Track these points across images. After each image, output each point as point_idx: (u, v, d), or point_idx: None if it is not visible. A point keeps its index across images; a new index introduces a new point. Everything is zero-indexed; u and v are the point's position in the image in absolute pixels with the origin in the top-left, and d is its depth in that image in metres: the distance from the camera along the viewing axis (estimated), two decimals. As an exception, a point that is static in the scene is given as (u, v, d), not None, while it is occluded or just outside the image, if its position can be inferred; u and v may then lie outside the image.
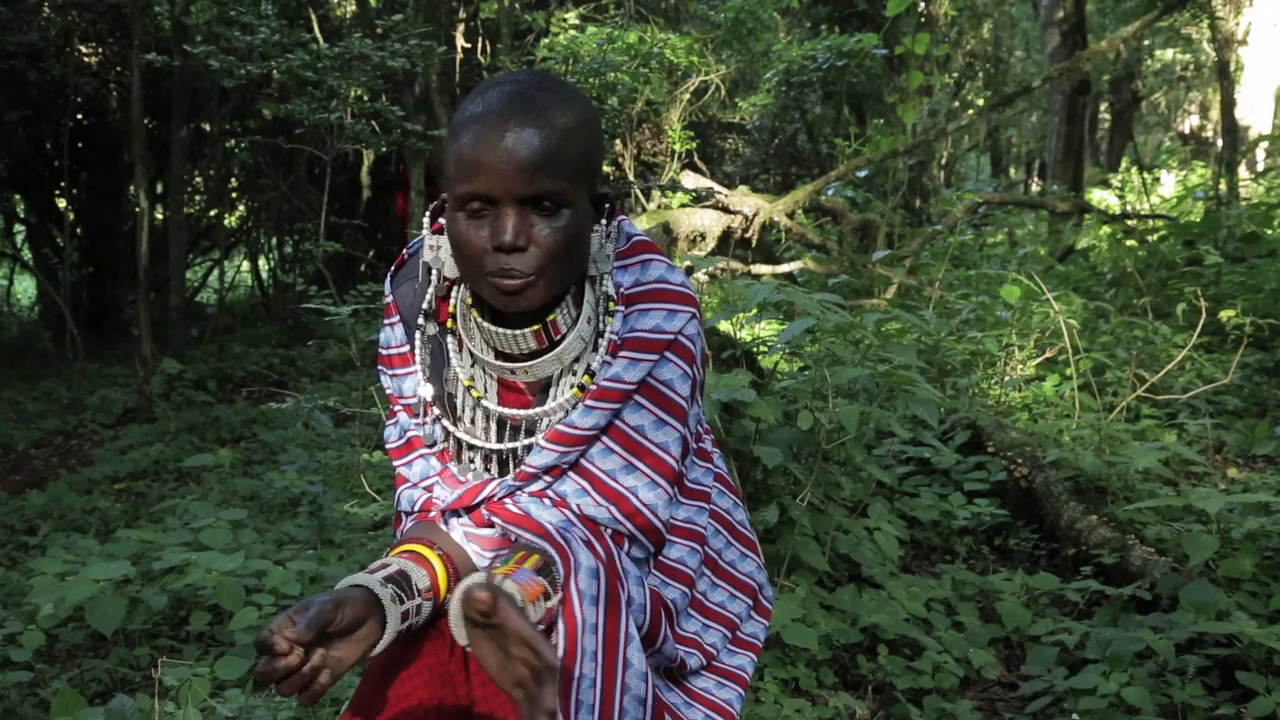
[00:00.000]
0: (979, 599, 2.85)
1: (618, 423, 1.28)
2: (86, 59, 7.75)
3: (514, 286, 1.20)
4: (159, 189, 8.54)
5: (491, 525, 1.30)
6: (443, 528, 1.34)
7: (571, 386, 1.29)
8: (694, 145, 8.39)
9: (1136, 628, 2.38)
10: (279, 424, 5.04)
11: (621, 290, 1.30)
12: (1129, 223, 7.75)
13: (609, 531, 1.28)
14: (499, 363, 1.31)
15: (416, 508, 1.37)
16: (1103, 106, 16.22)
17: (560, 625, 1.14)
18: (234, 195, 9.34)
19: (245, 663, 2.20)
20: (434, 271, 1.33)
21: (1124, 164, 13.99)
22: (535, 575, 1.16)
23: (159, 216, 8.48)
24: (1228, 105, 9.36)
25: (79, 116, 7.83)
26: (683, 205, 7.33)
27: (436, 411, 1.36)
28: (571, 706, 1.13)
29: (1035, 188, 15.79)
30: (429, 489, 1.37)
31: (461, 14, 7.87)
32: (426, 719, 1.23)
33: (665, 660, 1.32)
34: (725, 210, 6.80)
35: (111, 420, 5.65)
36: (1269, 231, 6.39)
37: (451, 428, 1.35)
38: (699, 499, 1.40)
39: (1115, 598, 2.60)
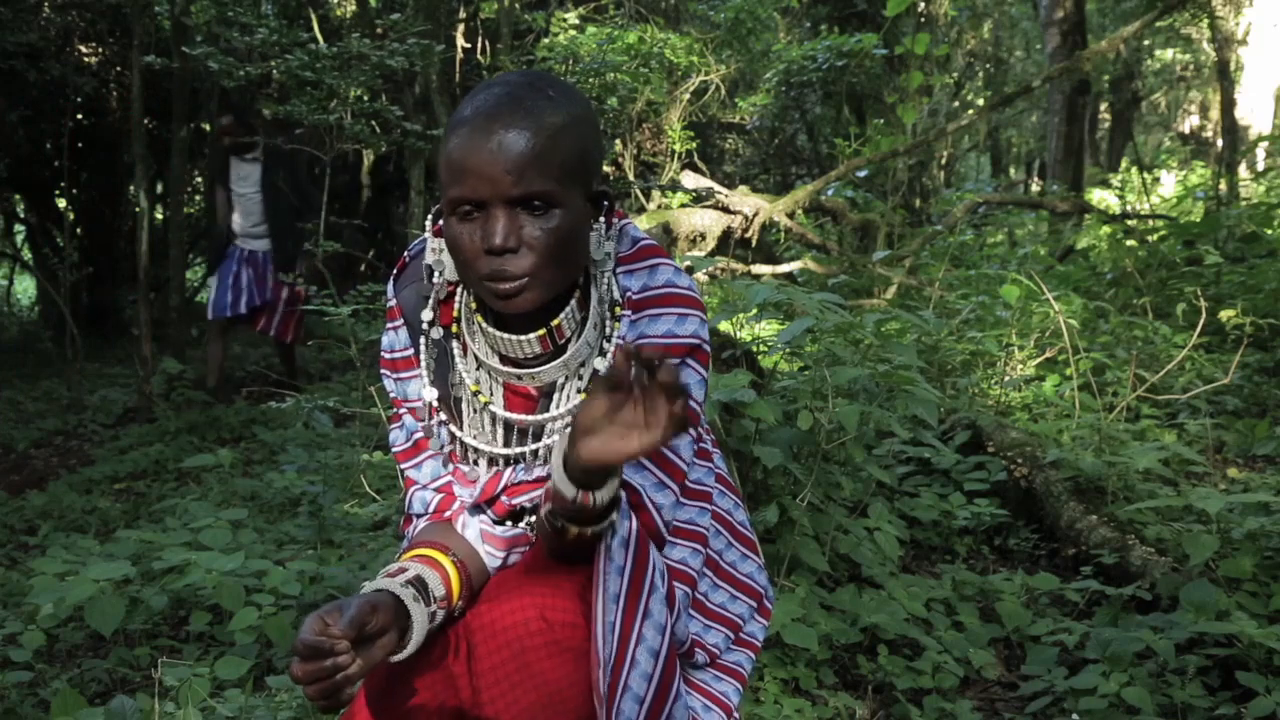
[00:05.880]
0: (979, 599, 2.84)
1: None
2: (86, 59, 7.74)
3: (508, 290, 1.19)
4: (159, 189, 8.53)
5: (512, 516, 1.31)
6: (456, 529, 1.33)
7: (578, 391, 1.29)
8: (694, 145, 8.39)
9: (1136, 628, 2.38)
10: (279, 424, 5.04)
11: (629, 295, 1.29)
12: (1129, 223, 7.74)
13: None
14: (505, 368, 1.30)
15: (430, 509, 1.36)
16: (1103, 106, 16.22)
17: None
18: (234, 195, 9.31)
19: (245, 663, 2.19)
20: (436, 275, 1.33)
21: (1124, 164, 14.00)
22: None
23: (159, 216, 8.47)
24: (1228, 105, 9.38)
25: (79, 116, 7.82)
26: (683, 205, 7.32)
27: (442, 416, 1.35)
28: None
29: (1035, 188, 15.77)
30: (441, 490, 1.36)
31: (461, 14, 7.87)
32: None
33: (678, 639, 1.32)
34: (725, 210, 6.79)
35: (111, 420, 5.64)
36: (1269, 231, 6.38)
37: (458, 432, 1.35)
38: (701, 500, 1.40)
39: (1115, 598, 2.59)
